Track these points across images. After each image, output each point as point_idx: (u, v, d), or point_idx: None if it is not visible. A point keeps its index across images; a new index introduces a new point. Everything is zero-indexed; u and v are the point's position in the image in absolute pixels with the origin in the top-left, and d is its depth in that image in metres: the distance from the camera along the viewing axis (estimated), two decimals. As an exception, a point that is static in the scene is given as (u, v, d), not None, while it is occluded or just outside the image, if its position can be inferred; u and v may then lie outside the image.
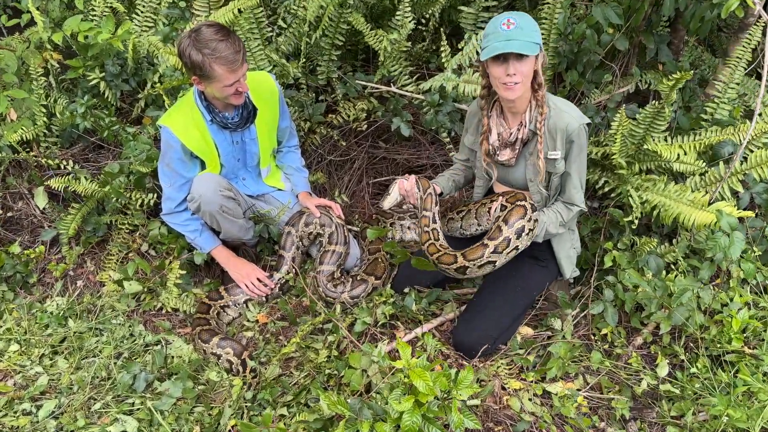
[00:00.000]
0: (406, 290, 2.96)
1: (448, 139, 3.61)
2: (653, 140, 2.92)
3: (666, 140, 2.99)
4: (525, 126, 2.62)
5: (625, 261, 2.78)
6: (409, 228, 3.50)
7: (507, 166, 2.74)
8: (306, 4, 3.45)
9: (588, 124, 2.57)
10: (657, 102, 2.77)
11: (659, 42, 3.41)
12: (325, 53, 3.60)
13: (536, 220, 2.62)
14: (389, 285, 3.04)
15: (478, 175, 2.90)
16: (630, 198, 2.86)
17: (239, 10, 3.38)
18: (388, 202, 2.85)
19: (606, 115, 3.30)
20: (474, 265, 2.62)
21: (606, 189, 3.03)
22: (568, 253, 2.81)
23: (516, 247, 2.60)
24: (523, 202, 2.61)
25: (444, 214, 3.11)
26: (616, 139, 2.90)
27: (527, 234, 2.59)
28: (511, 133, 2.65)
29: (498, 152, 2.71)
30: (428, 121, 3.53)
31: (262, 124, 3.07)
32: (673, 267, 2.83)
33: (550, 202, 2.71)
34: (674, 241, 2.90)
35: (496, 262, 2.61)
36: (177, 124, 2.87)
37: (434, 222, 2.81)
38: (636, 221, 2.77)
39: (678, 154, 2.90)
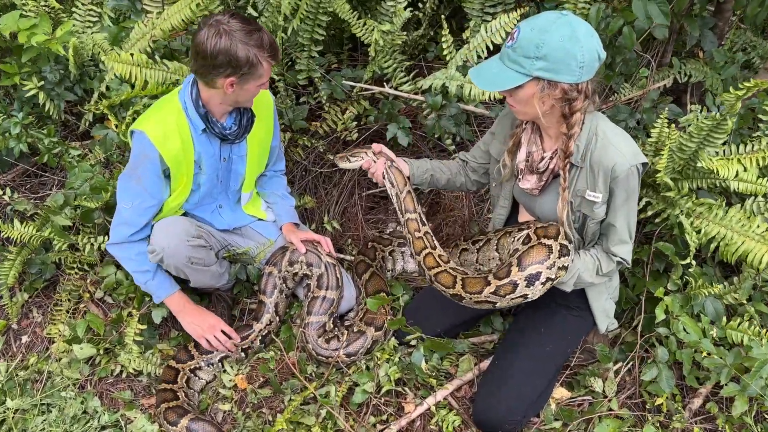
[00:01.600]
0: (413, 342, 2.47)
1: (453, 147, 3.08)
2: (707, 156, 2.40)
3: (718, 154, 2.48)
4: (558, 156, 2.10)
5: (677, 306, 2.29)
6: (412, 256, 2.99)
7: (530, 194, 2.23)
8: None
9: (644, 164, 2.04)
10: (717, 113, 2.24)
11: (702, 26, 2.87)
12: (304, 49, 3.02)
13: (563, 267, 2.10)
14: (392, 336, 2.55)
15: (496, 195, 2.40)
16: (681, 227, 2.36)
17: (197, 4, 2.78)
18: (343, 165, 2.50)
19: (642, 118, 2.78)
20: (470, 299, 2.14)
21: (649, 212, 2.53)
22: (604, 306, 2.32)
23: (524, 296, 2.10)
24: (550, 241, 2.10)
25: (456, 244, 2.61)
26: (662, 154, 2.38)
27: (543, 283, 2.08)
28: (542, 158, 2.13)
29: (521, 175, 2.20)
30: (430, 128, 2.99)
31: (254, 140, 2.56)
32: (733, 309, 2.36)
33: (583, 248, 2.21)
34: (734, 279, 2.41)
35: (496, 304, 2.13)
36: (155, 130, 2.32)
37: (423, 224, 2.36)
38: (693, 262, 2.27)
39: (737, 171, 2.40)
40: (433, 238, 2.37)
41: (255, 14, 2.94)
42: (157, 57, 2.80)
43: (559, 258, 2.08)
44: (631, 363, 2.39)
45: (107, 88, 2.78)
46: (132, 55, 2.64)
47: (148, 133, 2.31)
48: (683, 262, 2.27)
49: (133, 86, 2.70)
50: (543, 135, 2.14)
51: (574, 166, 2.05)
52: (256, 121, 2.51)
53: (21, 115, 2.86)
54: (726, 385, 2.11)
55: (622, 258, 2.13)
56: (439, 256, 2.30)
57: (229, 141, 2.46)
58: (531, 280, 2.07)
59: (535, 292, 2.10)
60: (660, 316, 2.20)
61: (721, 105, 2.80)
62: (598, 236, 2.17)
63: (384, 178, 2.41)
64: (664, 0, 2.45)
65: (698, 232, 2.35)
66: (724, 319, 2.29)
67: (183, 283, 2.62)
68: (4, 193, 2.82)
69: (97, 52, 2.89)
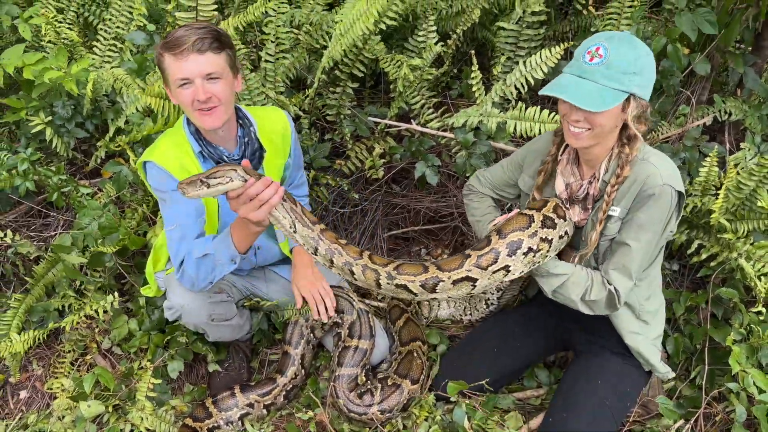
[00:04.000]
0: (453, 398, 2.26)
1: (482, 186, 2.93)
2: (767, 195, 2.26)
3: (771, 191, 2.34)
4: (598, 179, 1.96)
5: (743, 357, 2.11)
6: (446, 302, 2.80)
7: (577, 227, 2.07)
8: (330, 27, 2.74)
9: (681, 195, 1.90)
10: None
11: (746, 63, 2.77)
12: (339, 84, 2.89)
13: (547, 240, 1.93)
14: (429, 390, 2.34)
15: None
16: (742, 271, 2.20)
17: (237, 29, 2.65)
18: (195, 193, 1.80)
19: (685, 156, 2.65)
20: (449, 279, 1.94)
21: (703, 256, 2.37)
22: (646, 348, 2.12)
23: (506, 268, 1.93)
24: (532, 212, 1.96)
25: None
26: (718, 193, 2.24)
27: (525, 254, 1.92)
28: (581, 186, 1.99)
29: (567, 208, 2.05)
30: (460, 166, 2.84)
31: (272, 168, 2.31)
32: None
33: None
34: (801, 325, 2.24)
35: (477, 281, 1.95)
36: (167, 157, 2.12)
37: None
38: (763, 309, 2.10)
39: (796, 211, 2.26)
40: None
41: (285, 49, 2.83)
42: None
43: (542, 228, 1.94)
44: (692, 419, 2.19)
45: (126, 122, 2.61)
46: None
47: (157, 160, 2.13)
48: (754, 310, 2.10)
49: (155, 120, 2.53)
50: (581, 164, 2.03)
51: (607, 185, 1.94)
52: (272, 150, 2.28)
53: (29, 151, 2.68)
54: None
55: (615, 288, 1.94)
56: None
57: None
58: (512, 249, 1.92)
59: (520, 265, 1.93)
60: (735, 367, 2.02)
61: (762, 143, 2.70)
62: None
63: (285, 200, 1.94)
64: (710, 11, 2.35)
65: (760, 276, 2.20)
66: (794, 371, 2.12)
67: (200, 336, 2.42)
68: (5, 235, 2.62)
69: (118, 87, 2.73)
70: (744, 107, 2.83)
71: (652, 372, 2.16)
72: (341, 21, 2.60)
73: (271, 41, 2.79)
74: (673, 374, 2.18)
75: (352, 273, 2.01)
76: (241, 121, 2.23)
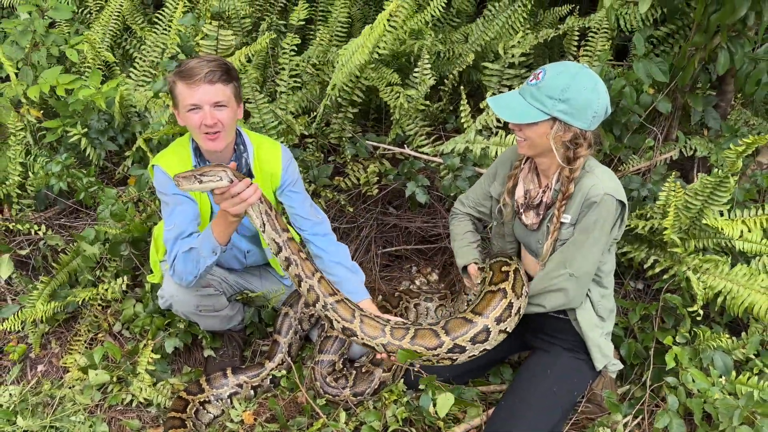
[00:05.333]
0: (422, 386, 2.48)
1: (467, 207, 3.21)
2: (712, 214, 2.50)
3: (723, 214, 2.57)
4: (550, 188, 2.23)
5: (686, 358, 2.31)
6: (437, 310, 3.03)
7: (528, 230, 2.33)
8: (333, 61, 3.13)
9: (622, 204, 2.13)
10: (719, 170, 2.37)
11: (706, 104, 3.05)
12: (340, 110, 3.25)
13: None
14: (401, 378, 2.57)
15: (500, 234, 2.49)
16: (688, 282, 2.42)
17: (248, 59, 3.05)
18: (188, 186, 2.04)
19: (651, 187, 2.89)
20: (361, 335, 2.18)
21: (657, 269, 2.60)
22: (598, 342, 2.32)
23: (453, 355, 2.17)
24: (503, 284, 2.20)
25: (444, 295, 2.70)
26: (668, 212, 2.49)
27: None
28: (537, 193, 2.26)
29: (522, 212, 2.30)
30: (445, 187, 3.13)
31: None
32: (741, 363, 2.36)
33: None
34: (742, 334, 2.43)
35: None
36: (171, 165, 2.41)
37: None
38: (701, 311, 2.31)
39: (741, 231, 2.48)
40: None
41: (291, 84, 3.23)
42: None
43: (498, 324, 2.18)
44: (640, 416, 2.37)
45: (146, 125, 3.00)
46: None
47: (163, 165, 2.42)
48: (691, 309, 2.31)
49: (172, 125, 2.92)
50: (539, 173, 2.28)
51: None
52: (259, 178, 2.50)
53: (64, 156, 3.06)
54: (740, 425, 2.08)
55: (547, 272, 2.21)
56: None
57: None
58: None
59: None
60: (670, 363, 2.22)
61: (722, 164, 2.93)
62: None
63: (262, 202, 2.16)
64: (663, 61, 2.65)
65: (705, 288, 2.41)
66: (734, 373, 2.30)
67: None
68: (39, 229, 2.98)
69: (150, 106, 3.13)
70: (710, 145, 3.08)
71: (602, 371, 2.36)
72: (343, 54, 2.98)
73: (286, 74, 3.19)
74: (621, 366, 2.38)
75: (299, 284, 2.22)
76: (236, 147, 2.48)
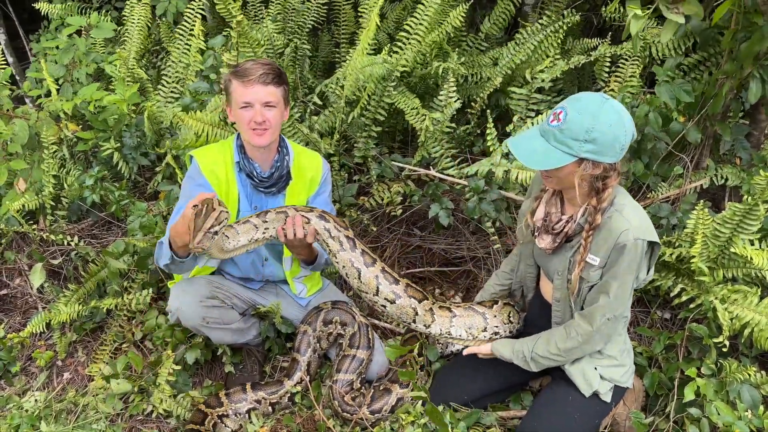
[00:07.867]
0: (440, 407, 2.46)
1: (492, 229, 3.19)
2: (742, 243, 2.44)
3: (753, 243, 2.52)
4: (574, 221, 2.18)
5: (711, 391, 2.25)
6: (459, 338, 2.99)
7: (544, 254, 2.30)
8: (344, 82, 3.19)
9: (653, 245, 2.09)
10: (750, 197, 2.33)
11: (737, 133, 3.01)
12: (364, 129, 3.29)
13: None
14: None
15: (520, 254, 2.49)
16: (715, 312, 2.36)
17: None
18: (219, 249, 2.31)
19: (680, 216, 2.84)
20: None
21: (683, 298, 2.54)
22: (583, 368, 2.27)
23: None
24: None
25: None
26: (696, 240, 2.44)
27: None
28: (559, 220, 2.20)
29: (538, 233, 2.27)
30: (470, 210, 3.12)
31: (293, 199, 2.64)
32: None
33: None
34: (772, 367, 2.37)
35: None
36: (206, 158, 2.55)
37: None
38: (727, 343, 2.26)
39: (772, 262, 2.42)
40: None
41: (320, 102, 3.28)
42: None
43: None
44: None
45: (172, 135, 3.09)
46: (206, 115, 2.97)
47: (198, 158, 2.55)
48: (716, 340, 2.25)
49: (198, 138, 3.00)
50: (565, 200, 2.23)
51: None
52: (296, 182, 2.61)
53: (97, 169, 3.16)
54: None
55: (577, 332, 2.18)
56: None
57: (260, 190, 2.58)
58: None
59: None
60: (689, 396, 2.16)
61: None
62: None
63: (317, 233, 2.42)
64: (687, 82, 2.62)
65: (732, 318, 2.35)
66: (762, 407, 2.23)
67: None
68: (72, 239, 3.06)
69: (175, 122, 3.22)
70: (742, 174, 3.03)
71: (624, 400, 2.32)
72: (364, 71, 3.03)
73: (315, 96, 3.26)
74: (607, 389, 2.29)
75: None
76: (280, 149, 2.61)
